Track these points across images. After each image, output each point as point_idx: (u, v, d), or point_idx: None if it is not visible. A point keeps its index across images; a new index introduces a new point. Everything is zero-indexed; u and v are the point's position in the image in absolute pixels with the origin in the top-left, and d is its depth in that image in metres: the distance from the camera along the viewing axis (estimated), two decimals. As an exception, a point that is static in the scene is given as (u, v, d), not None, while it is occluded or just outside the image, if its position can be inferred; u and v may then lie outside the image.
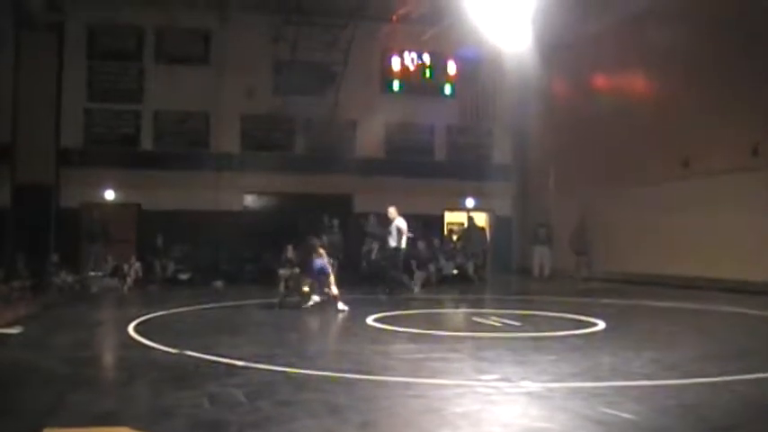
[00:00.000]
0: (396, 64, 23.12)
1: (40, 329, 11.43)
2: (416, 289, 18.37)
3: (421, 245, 22.86)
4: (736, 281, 17.36)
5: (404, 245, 17.60)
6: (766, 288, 16.35)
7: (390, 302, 16.34)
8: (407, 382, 7.17)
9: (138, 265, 20.78)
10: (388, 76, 24.17)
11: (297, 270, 15.23)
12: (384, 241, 18.29)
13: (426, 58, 23.12)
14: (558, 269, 23.31)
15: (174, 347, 9.09)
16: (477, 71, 25.45)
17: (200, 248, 22.10)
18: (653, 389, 6.90)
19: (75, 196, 22.78)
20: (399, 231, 17.33)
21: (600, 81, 23.63)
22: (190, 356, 8.55)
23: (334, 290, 14.36)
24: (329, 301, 14.32)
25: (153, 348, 9.30)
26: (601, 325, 11.75)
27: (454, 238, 25.15)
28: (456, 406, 6.20)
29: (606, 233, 22.12)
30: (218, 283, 20.87)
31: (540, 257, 23.55)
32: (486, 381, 7.21)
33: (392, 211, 17.43)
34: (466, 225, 25.01)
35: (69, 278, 19.84)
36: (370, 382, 7.28)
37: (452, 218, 27.01)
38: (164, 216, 22.50)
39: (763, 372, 7.58)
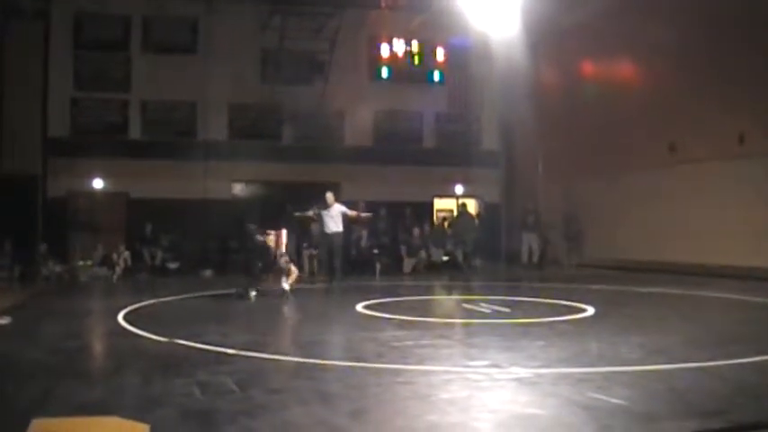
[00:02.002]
0: (384, 51, 23.00)
1: (29, 319, 11.43)
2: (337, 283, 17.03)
3: (416, 232, 22.91)
4: (724, 266, 17.44)
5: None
6: (754, 274, 16.44)
7: (380, 289, 16.37)
8: (397, 369, 7.19)
9: (127, 254, 20.73)
10: (376, 63, 24.09)
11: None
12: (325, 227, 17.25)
13: (415, 45, 23.03)
14: (547, 256, 23.35)
15: (163, 336, 9.09)
16: (466, 58, 25.41)
17: (188, 237, 22.06)
18: (641, 374, 6.93)
19: (62, 186, 22.66)
20: (344, 216, 17.20)
21: (588, 68, 23.66)
22: (180, 345, 8.55)
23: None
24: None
25: (143, 337, 9.31)
26: (590, 311, 11.80)
27: (446, 224, 25.18)
28: (445, 392, 6.23)
29: (594, 219, 22.20)
30: (207, 272, 20.87)
31: (529, 244, 23.54)
32: (476, 367, 7.23)
33: (330, 196, 17.12)
34: (457, 212, 25.02)
35: (57, 268, 19.82)
36: (360, 369, 7.29)
37: (442, 205, 27.04)
38: (152, 205, 22.40)
39: (751, 356, 7.62)
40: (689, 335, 9.39)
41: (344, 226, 17.14)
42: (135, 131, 23.67)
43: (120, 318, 11.09)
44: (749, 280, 16.04)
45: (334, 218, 16.96)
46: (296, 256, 17.56)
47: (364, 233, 22.22)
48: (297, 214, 17.77)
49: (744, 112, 17.41)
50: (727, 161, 17.74)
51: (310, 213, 17.44)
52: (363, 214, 18.24)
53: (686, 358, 7.60)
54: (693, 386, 6.44)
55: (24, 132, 22.33)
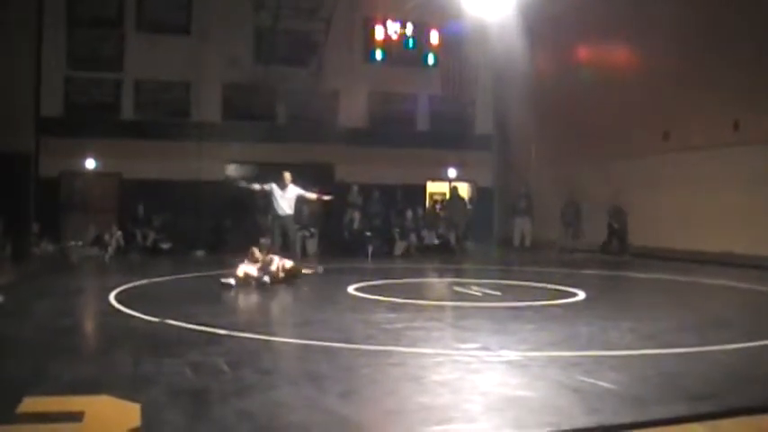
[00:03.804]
0: (379, 33, 22.87)
1: (21, 299, 11.39)
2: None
3: (409, 214, 22.90)
4: (717, 253, 17.47)
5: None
6: (748, 260, 16.48)
7: (372, 272, 16.37)
8: (388, 351, 7.21)
9: (119, 234, 20.70)
10: (370, 45, 24.00)
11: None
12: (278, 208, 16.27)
13: (409, 27, 22.89)
14: (539, 240, 23.39)
15: (155, 316, 9.09)
16: (461, 41, 25.28)
17: (181, 218, 21.99)
18: (631, 358, 6.97)
19: (55, 165, 22.55)
20: (300, 198, 16.64)
21: (583, 53, 23.60)
22: (171, 325, 8.56)
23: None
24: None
25: (134, 317, 9.30)
26: (581, 295, 11.83)
27: (437, 207, 25.20)
28: (436, 374, 6.25)
29: (588, 205, 22.21)
30: (199, 253, 20.85)
31: (521, 228, 23.57)
32: (466, 349, 7.26)
33: (287, 176, 16.20)
34: (449, 195, 25.03)
35: (50, 247, 19.78)
36: (351, 350, 7.31)
37: (435, 188, 27.05)
38: (145, 185, 22.34)
39: (742, 342, 7.66)
40: (680, 320, 9.42)
41: (336, 209, 16.71)
42: (128, 111, 23.57)
43: (111, 297, 11.08)
44: (743, 267, 16.07)
45: (289, 200, 16.11)
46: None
47: (356, 215, 22.22)
48: (242, 185, 17.10)
49: (738, 99, 17.41)
50: (722, 148, 17.75)
51: (257, 187, 16.46)
52: (325, 197, 17.35)
53: (677, 343, 7.64)
54: (683, 371, 6.47)
55: (17, 111, 22.18)
